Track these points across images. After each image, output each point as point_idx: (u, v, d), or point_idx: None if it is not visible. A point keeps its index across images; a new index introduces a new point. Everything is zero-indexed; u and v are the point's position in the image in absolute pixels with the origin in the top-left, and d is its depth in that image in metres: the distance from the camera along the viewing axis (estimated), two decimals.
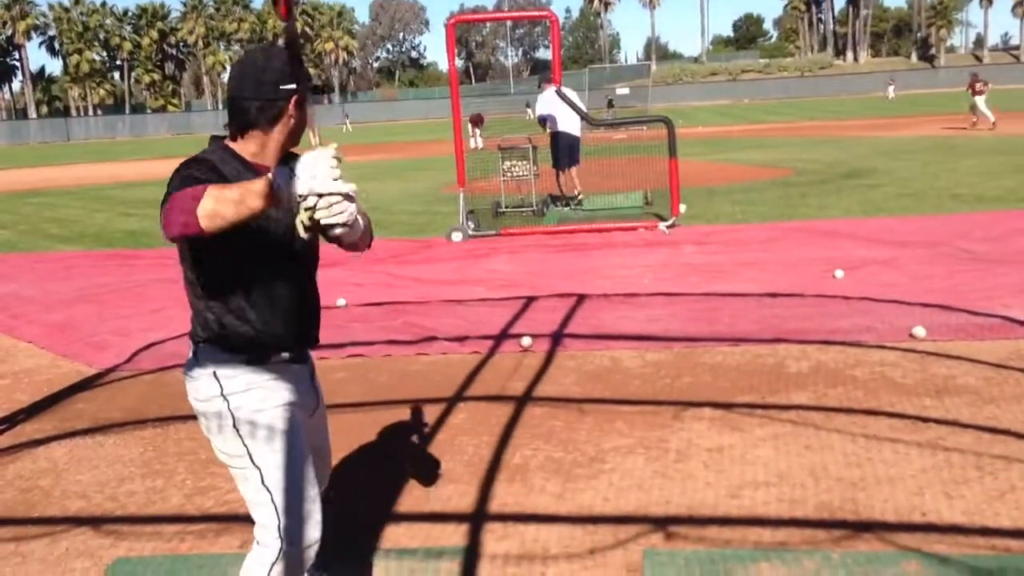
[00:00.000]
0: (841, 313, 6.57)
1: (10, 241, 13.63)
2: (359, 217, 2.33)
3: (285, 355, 2.60)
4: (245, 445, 2.52)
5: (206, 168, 2.38)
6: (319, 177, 2.10)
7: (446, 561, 3.33)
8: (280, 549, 2.52)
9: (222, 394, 2.52)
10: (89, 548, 3.62)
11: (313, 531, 2.58)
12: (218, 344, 2.54)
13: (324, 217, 2.13)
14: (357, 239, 2.42)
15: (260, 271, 2.52)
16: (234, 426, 2.52)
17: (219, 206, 2.10)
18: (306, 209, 2.13)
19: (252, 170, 2.46)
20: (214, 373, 2.54)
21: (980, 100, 25.91)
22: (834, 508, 3.57)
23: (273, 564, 2.53)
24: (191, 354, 2.61)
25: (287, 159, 2.63)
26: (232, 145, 2.51)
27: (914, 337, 5.81)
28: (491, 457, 4.30)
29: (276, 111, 2.46)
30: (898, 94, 60.95)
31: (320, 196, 2.11)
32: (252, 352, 2.54)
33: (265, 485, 2.53)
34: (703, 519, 3.55)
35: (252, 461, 2.53)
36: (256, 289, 2.52)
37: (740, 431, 4.45)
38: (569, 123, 13.04)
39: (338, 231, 2.18)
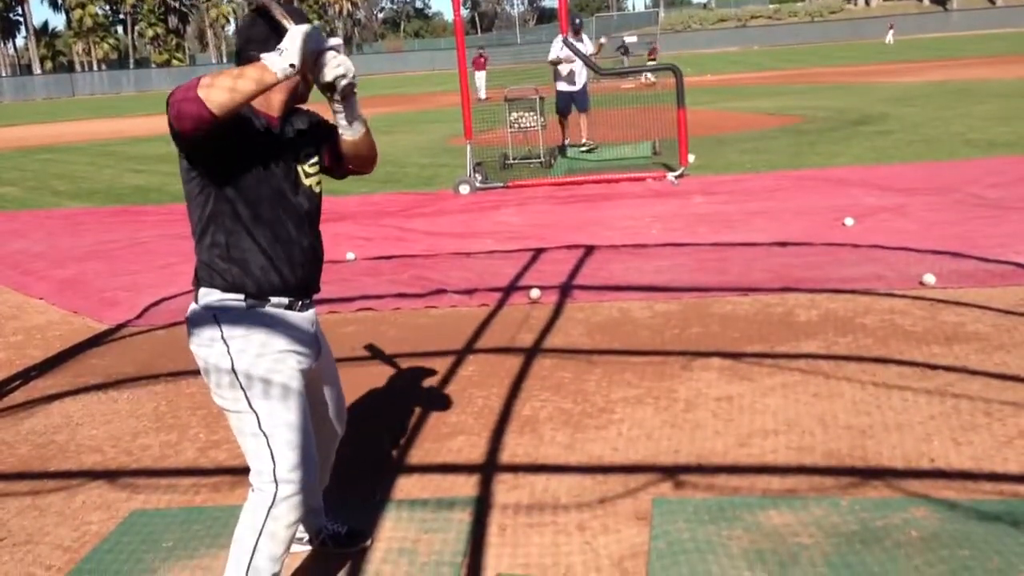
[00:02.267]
0: (851, 261, 6.54)
1: (19, 198, 13.65)
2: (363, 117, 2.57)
3: (284, 300, 2.61)
4: (243, 388, 2.53)
5: None
6: (303, 41, 2.29)
7: (458, 511, 3.37)
8: (275, 494, 2.54)
9: (222, 337, 2.54)
10: (105, 501, 3.67)
11: (308, 476, 2.60)
12: (218, 287, 2.56)
13: (329, 74, 2.36)
14: (364, 131, 2.59)
15: (262, 214, 2.54)
16: (232, 369, 2.53)
17: (219, 80, 2.24)
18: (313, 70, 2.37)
19: (260, 117, 2.54)
20: (214, 316, 2.56)
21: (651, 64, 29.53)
22: (843, 455, 3.59)
23: (270, 508, 2.54)
24: (193, 300, 2.63)
25: (293, 113, 2.64)
26: None
27: (924, 284, 5.79)
28: (501, 408, 4.33)
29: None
30: (909, 38, 60.06)
31: (317, 56, 2.34)
32: (251, 294, 2.56)
33: (262, 429, 2.54)
34: (712, 467, 3.57)
35: (249, 405, 2.54)
36: (257, 232, 2.54)
37: (749, 380, 4.47)
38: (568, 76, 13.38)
39: (344, 82, 2.39)
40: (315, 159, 2.70)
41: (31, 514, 3.62)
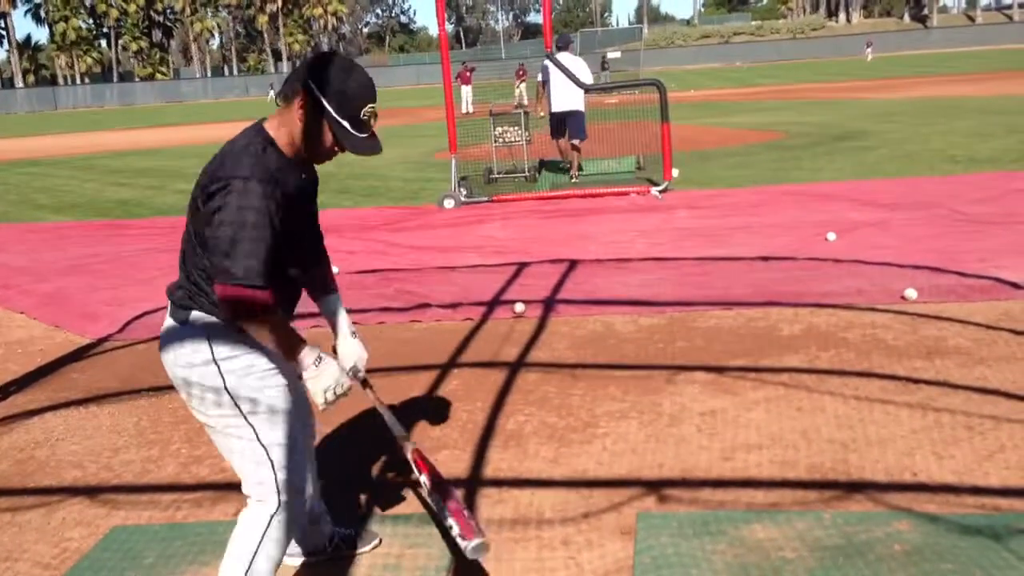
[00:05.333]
0: (833, 276, 6.58)
1: (0, 212, 13.55)
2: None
3: None
4: (238, 406, 2.55)
5: (266, 182, 2.41)
6: (329, 383, 2.57)
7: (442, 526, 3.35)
8: (280, 502, 2.61)
9: (213, 359, 2.53)
10: (85, 517, 3.64)
11: (308, 484, 2.72)
12: (204, 308, 2.55)
13: (326, 401, 2.59)
14: None
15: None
16: (225, 388, 2.54)
17: (262, 334, 2.49)
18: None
19: (291, 167, 2.52)
20: (206, 335, 2.54)
21: (522, 86, 27.46)
22: (826, 469, 3.60)
23: (273, 516, 2.61)
24: (174, 321, 2.61)
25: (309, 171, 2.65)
26: (268, 128, 2.54)
27: (906, 299, 5.83)
28: (485, 423, 4.32)
29: (290, 94, 2.50)
30: (890, 55, 60.65)
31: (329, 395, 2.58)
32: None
33: (261, 442, 2.58)
34: (696, 481, 3.58)
35: (246, 420, 2.57)
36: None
37: (733, 394, 4.48)
38: (565, 97, 12.13)
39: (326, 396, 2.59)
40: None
41: (10, 531, 3.58)
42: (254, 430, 2.57)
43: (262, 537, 2.61)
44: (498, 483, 3.69)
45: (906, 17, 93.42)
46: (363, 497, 3.64)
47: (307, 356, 2.51)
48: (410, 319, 6.25)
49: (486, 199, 11.28)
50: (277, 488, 2.60)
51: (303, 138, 2.51)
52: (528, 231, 9.38)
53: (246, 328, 2.46)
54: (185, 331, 2.57)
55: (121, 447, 4.35)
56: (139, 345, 6.05)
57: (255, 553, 2.60)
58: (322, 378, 2.54)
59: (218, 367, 2.53)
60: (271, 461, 2.59)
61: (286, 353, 2.51)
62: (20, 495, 3.90)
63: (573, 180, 12.52)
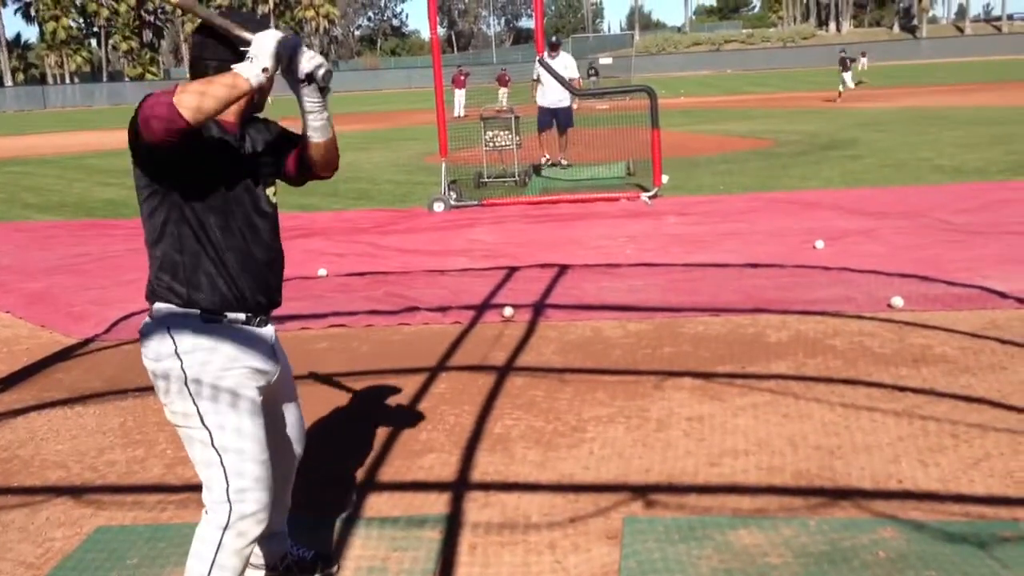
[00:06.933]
0: (821, 283, 6.61)
1: None
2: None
3: (241, 316, 2.55)
4: (196, 405, 2.48)
5: None
6: (277, 45, 2.32)
7: (428, 530, 3.35)
8: (229, 513, 2.48)
9: (175, 352, 2.48)
10: (69, 518, 3.61)
11: (263, 496, 2.53)
12: (172, 302, 2.51)
13: (309, 66, 2.37)
14: (331, 135, 2.57)
15: (217, 224, 2.49)
16: (185, 384, 2.47)
17: (192, 86, 2.23)
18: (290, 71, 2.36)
19: (217, 124, 2.49)
20: (167, 329, 2.50)
21: (503, 92, 26.57)
22: (812, 476, 3.61)
23: (224, 529, 2.49)
24: (148, 316, 2.58)
25: (251, 122, 2.62)
26: None
27: (892, 307, 5.85)
28: (473, 426, 4.32)
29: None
30: (879, 65, 60.90)
31: (292, 54, 2.35)
32: (206, 310, 2.50)
33: (214, 447, 2.48)
34: (683, 487, 3.58)
35: (202, 422, 2.48)
36: (212, 245, 2.49)
37: (720, 400, 4.49)
38: (552, 95, 13.55)
39: (322, 71, 2.38)
40: (273, 168, 2.66)
41: None
42: (209, 433, 2.48)
43: (215, 554, 2.49)
44: (485, 487, 3.69)
45: (896, 27, 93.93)
46: (349, 498, 3.62)
47: (240, 65, 2.31)
48: (399, 322, 6.24)
49: (476, 203, 11.28)
50: (227, 498, 2.48)
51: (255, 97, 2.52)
52: (518, 235, 9.37)
53: (187, 109, 2.19)
54: (153, 324, 2.54)
55: (106, 447, 4.33)
56: (125, 345, 6.02)
57: (210, 572, 2.50)
58: (264, 43, 2.31)
59: (180, 360, 2.47)
60: (223, 468, 2.48)
61: (229, 88, 2.25)
62: (3, 494, 3.88)
63: (565, 164, 14.08)
